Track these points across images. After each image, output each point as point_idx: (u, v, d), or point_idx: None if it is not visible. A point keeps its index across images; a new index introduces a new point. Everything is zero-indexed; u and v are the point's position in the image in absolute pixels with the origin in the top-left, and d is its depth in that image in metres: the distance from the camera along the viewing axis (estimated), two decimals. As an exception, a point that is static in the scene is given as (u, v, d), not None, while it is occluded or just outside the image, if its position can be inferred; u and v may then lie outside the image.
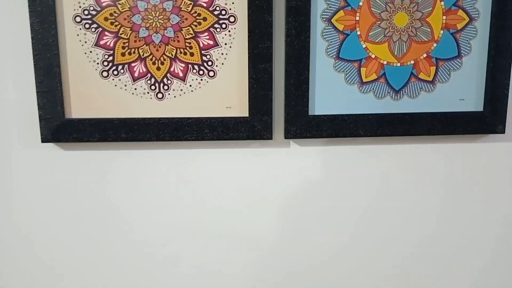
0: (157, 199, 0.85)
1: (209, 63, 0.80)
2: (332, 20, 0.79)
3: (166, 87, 0.80)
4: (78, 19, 0.76)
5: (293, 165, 0.85)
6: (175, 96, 0.80)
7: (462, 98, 0.83)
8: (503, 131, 0.83)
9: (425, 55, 0.81)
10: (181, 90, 0.80)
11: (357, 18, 0.79)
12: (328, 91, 0.81)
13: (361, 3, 0.78)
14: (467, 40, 0.81)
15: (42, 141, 0.79)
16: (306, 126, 0.82)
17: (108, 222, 0.85)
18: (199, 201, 0.86)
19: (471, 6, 0.80)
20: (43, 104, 0.78)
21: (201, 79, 0.80)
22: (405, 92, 0.82)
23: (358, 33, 0.79)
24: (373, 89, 0.82)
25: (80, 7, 0.76)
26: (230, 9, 0.78)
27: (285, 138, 0.82)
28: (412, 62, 0.81)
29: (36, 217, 0.84)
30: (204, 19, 0.78)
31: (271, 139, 0.82)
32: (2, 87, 0.79)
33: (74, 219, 0.85)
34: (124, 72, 0.79)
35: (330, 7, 0.78)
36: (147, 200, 0.85)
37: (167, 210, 0.86)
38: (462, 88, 0.82)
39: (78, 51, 0.77)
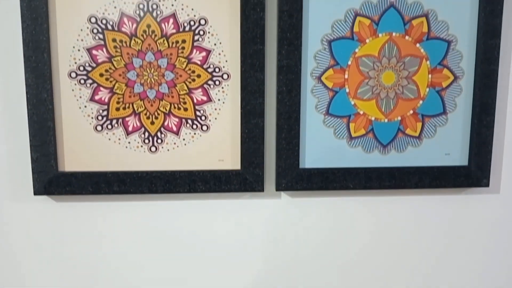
0: (149, 251, 0.85)
1: (203, 117, 0.81)
2: (322, 78, 0.81)
3: (159, 141, 0.81)
4: (73, 74, 0.78)
5: (284, 216, 0.86)
6: (168, 150, 0.82)
7: (448, 152, 0.85)
8: (487, 185, 0.86)
9: (411, 111, 0.84)
10: (175, 143, 0.82)
11: (346, 76, 0.81)
12: (318, 145, 0.83)
13: (349, 62, 0.81)
14: (452, 98, 0.84)
15: (35, 194, 0.79)
16: (297, 179, 0.83)
17: (100, 275, 0.85)
18: (191, 253, 0.86)
19: (456, 65, 0.83)
20: (36, 158, 0.78)
21: (195, 133, 0.82)
22: (392, 146, 0.84)
23: (347, 90, 0.82)
24: (361, 143, 0.84)
25: (75, 63, 0.78)
26: (223, 66, 0.80)
27: (276, 190, 0.83)
28: (399, 118, 0.84)
29: (27, 270, 0.84)
30: (198, 76, 0.80)
31: (263, 191, 0.83)
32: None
33: (66, 273, 0.84)
34: (118, 126, 0.80)
35: (319, 65, 0.81)
36: (140, 252, 0.85)
37: (159, 262, 0.86)
38: (448, 143, 0.85)
39: (73, 105, 0.79)
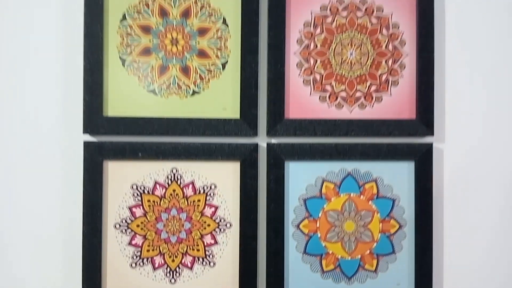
0: None
1: (211, 256, 1.08)
2: (300, 226, 1.09)
3: (178, 274, 1.07)
4: (117, 226, 1.06)
5: (272, 334, 1.10)
6: (184, 282, 1.07)
7: (399, 283, 1.11)
8: (431, 304, 1.10)
9: (368, 251, 1.10)
10: (189, 276, 1.08)
11: (318, 225, 1.09)
12: (298, 277, 1.09)
13: (320, 215, 1.09)
14: (399, 241, 1.11)
15: (82, 314, 1.04)
16: (282, 304, 1.08)
17: None
18: None
19: (400, 217, 1.11)
20: (86, 286, 1.04)
21: (204, 268, 1.08)
22: (355, 278, 1.10)
23: (319, 235, 1.10)
24: (331, 276, 1.10)
25: (119, 217, 1.06)
26: (227, 218, 1.08)
27: (266, 312, 1.08)
28: (359, 256, 1.10)
29: None
30: (209, 225, 1.08)
31: (256, 309, 1.08)
32: (52, 275, 1.07)
33: None
34: (147, 263, 1.07)
35: (297, 217, 1.09)
36: None
37: None
38: (398, 275, 1.11)
39: (115, 248, 1.06)
